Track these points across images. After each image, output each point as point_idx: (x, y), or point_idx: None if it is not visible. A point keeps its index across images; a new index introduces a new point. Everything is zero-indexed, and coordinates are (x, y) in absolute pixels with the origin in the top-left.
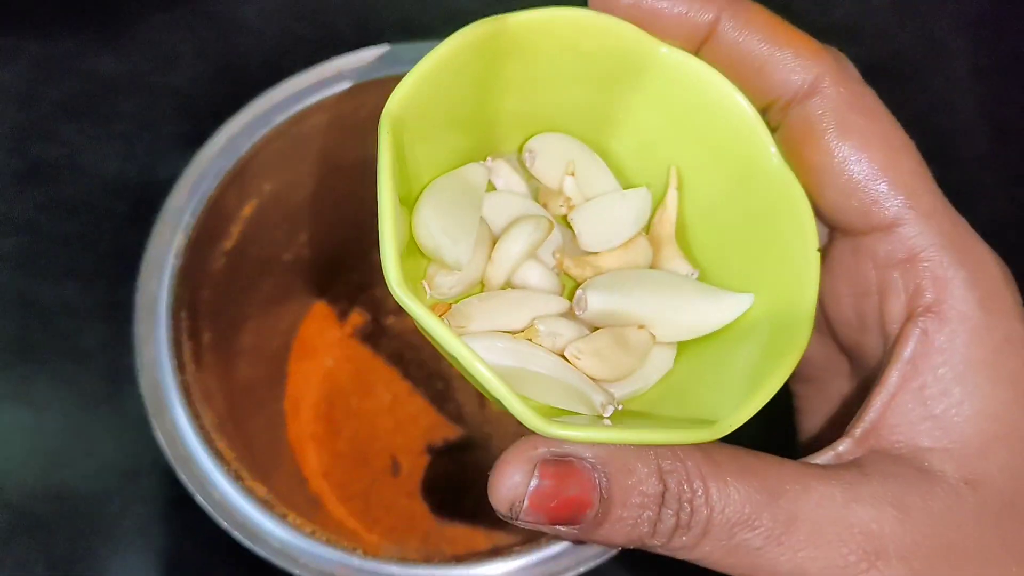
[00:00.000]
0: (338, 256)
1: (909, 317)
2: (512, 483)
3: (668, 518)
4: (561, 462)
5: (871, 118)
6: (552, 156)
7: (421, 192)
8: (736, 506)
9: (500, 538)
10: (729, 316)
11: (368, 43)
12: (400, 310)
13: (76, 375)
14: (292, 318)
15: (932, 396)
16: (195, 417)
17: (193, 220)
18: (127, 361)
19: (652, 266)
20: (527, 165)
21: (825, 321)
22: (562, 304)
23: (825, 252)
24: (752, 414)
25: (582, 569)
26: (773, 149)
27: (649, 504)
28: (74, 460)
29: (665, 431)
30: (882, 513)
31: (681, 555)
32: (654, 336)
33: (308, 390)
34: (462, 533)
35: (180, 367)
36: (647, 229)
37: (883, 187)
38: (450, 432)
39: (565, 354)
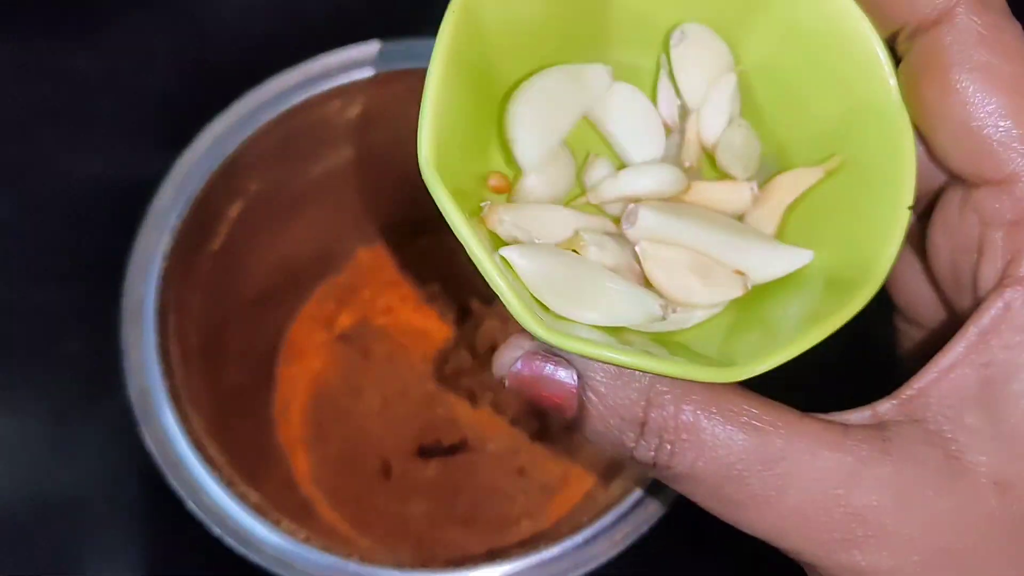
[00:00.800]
0: (326, 257)
1: (998, 285)
2: (503, 360)
3: (644, 450)
4: (547, 360)
5: (1005, 56)
6: (697, 59)
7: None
8: (727, 460)
9: (494, 541)
10: (784, 270)
11: (349, 42)
12: (389, 311)
13: (57, 381)
14: (280, 321)
15: (995, 378)
16: (184, 422)
17: (179, 222)
18: (109, 366)
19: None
20: (672, 45)
21: (925, 268)
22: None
23: (936, 198)
24: (775, 365)
25: (579, 572)
26: (894, 88)
27: (627, 429)
28: (57, 467)
29: (666, 361)
30: (883, 501)
31: (666, 482)
32: (748, 286)
33: (297, 393)
34: (455, 537)
35: (168, 371)
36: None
37: (1002, 136)
38: (441, 434)
39: (636, 249)
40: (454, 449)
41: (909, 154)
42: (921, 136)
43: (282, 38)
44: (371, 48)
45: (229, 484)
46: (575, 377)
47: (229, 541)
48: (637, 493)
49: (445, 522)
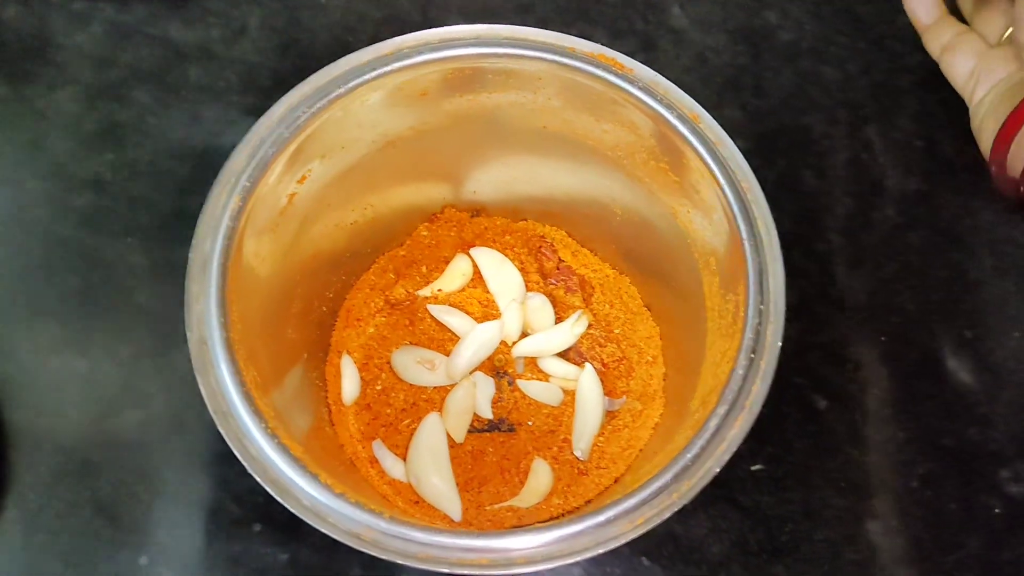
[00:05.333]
0: (389, 230)
1: None
2: None
3: None
4: None
5: None
6: None
7: None
8: None
9: (525, 516)
10: None
11: (431, 23)
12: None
13: (131, 330)
14: (340, 286)
15: None
16: (237, 374)
17: (250, 184)
18: (180, 319)
19: None
20: None
21: None
22: None
23: None
24: None
25: (601, 550)
26: None
27: None
28: (125, 410)
29: None
30: None
31: None
32: None
33: (350, 357)
34: (488, 510)
35: (227, 324)
36: None
37: None
38: (485, 410)
39: None
40: (493, 426)
41: None
42: None
43: (366, 17)
44: (441, 31)
45: (273, 435)
46: None
47: (269, 489)
48: (663, 479)
49: (479, 495)
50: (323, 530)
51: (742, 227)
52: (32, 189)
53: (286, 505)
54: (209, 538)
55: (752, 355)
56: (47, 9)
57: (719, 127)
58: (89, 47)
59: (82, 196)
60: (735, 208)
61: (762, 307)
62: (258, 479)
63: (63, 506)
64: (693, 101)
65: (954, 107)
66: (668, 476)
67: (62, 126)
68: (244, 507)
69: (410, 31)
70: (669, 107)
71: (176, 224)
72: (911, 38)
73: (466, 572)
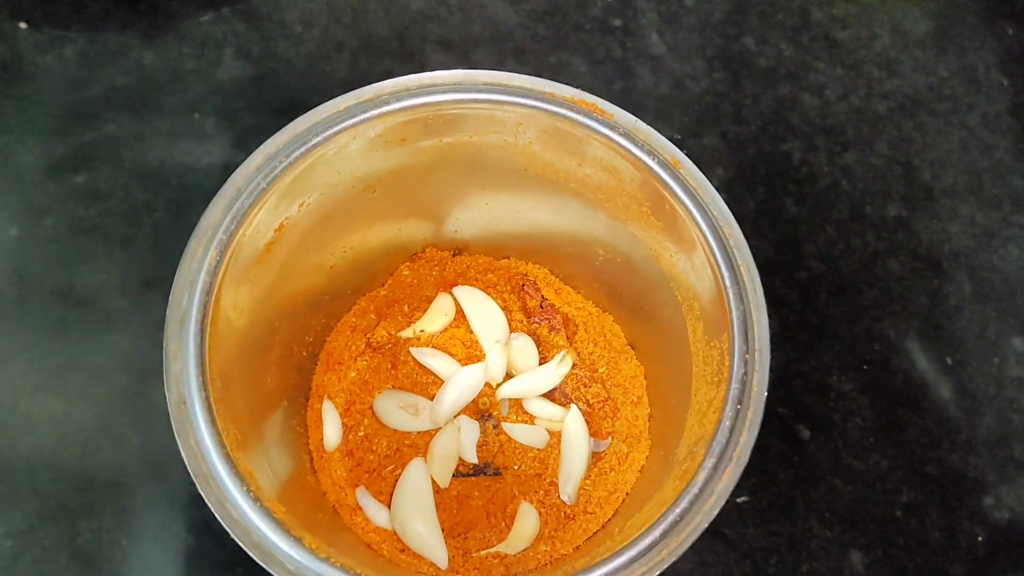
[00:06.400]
0: (370, 270)
1: None
2: None
3: None
4: None
5: None
6: None
7: None
8: None
9: (513, 563)
10: None
11: (407, 53)
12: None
13: (107, 368)
14: (320, 329)
15: None
16: (217, 435)
17: (226, 237)
18: (157, 356)
19: None
20: None
21: None
22: None
23: None
24: None
25: None
26: None
27: None
28: (101, 451)
29: None
30: None
31: None
32: None
33: (331, 402)
34: (475, 556)
35: (205, 384)
36: None
37: None
38: (470, 454)
39: None
40: (478, 471)
41: None
42: None
43: (342, 46)
44: (421, 77)
45: (256, 499)
46: None
47: (252, 554)
48: (653, 535)
49: (465, 542)
50: None
51: (725, 274)
52: (2, 223)
53: (269, 570)
54: None
55: (738, 406)
56: (17, 36)
57: (700, 172)
58: (61, 72)
59: (52, 229)
60: (717, 254)
61: (747, 357)
62: (240, 543)
63: (40, 552)
64: (674, 147)
65: (931, 132)
66: (657, 532)
67: (33, 154)
68: (226, 549)
69: (387, 60)
70: (650, 153)
71: (152, 258)
72: (888, 63)
73: None
